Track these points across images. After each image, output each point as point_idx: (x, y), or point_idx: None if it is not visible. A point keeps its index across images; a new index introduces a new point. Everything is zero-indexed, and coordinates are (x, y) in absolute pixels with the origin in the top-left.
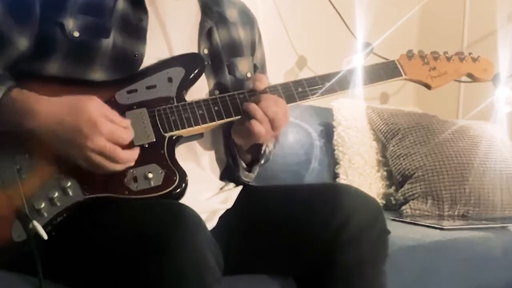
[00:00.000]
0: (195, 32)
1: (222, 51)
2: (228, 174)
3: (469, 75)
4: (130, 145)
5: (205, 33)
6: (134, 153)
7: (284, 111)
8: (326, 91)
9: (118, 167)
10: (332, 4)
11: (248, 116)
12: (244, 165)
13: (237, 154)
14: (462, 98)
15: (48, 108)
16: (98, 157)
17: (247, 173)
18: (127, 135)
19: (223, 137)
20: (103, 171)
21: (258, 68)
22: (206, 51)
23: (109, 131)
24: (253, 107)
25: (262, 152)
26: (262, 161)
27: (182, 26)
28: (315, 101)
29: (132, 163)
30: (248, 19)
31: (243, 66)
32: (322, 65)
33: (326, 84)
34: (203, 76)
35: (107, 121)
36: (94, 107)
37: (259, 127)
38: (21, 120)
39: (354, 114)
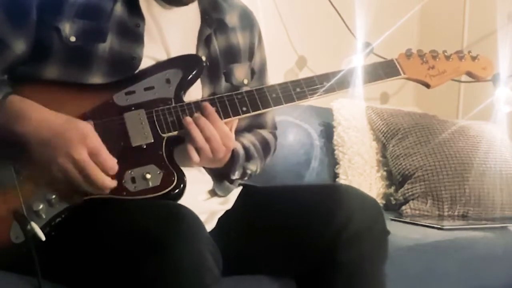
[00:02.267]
0: (193, 39)
1: (220, 58)
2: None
3: (469, 74)
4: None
5: (203, 40)
6: (112, 183)
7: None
8: (325, 91)
9: (91, 189)
10: (332, 4)
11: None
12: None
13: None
14: (462, 98)
15: (42, 116)
16: (74, 170)
17: (227, 184)
18: (112, 165)
19: None
20: (74, 186)
21: (256, 73)
22: (203, 58)
23: (95, 149)
24: (188, 121)
25: (236, 177)
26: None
27: (181, 32)
28: (315, 101)
29: (107, 192)
30: (248, 23)
31: (240, 73)
32: (322, 65)
33: (324, 84)
34: (198, 83)
35: (97, 140)
36: (89, 126)
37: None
38: (13, 124)
39: (354, 114)
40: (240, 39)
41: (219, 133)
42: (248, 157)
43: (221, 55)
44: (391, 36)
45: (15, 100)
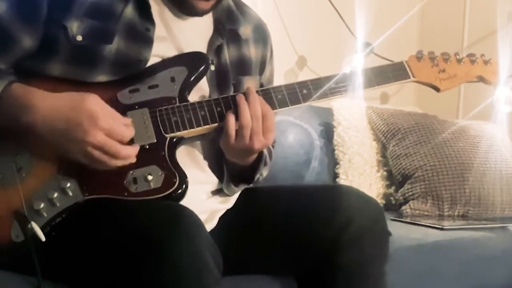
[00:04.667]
0: (204, 46)
1: (230, 68)
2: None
3: (480, 78)
4: (130, 143)
5: (214, 49)
6: (134, 150)
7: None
8: (332, 93)
9: (118, 163)
10: (332, 4)
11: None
12: (228, 179)
13: (225, 166)
14: (462, 98)
15: (48, 103)
16: (97, 152)
17: (233, 187)
18: (128, 133)
19: (213, 146)
20: (102, 166)
21: (264, 87)
22: (213, 68)
23: (109, 127)
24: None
25: (255, 179)
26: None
27: (192, 38)
28: (315, 101)
29: (133, 160)
30: (261, 36)
31: (250, 86)
32: (322, 65)
33: (331, 86)
34: (207, 91)
35: (108, 117)
36: (96, 103)
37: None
38: (20, 114)
39: (354, 114)
40: (252, 51)
41: (264, 122)
42: (265, 162)
43: (231, 66)
44: (391, 36)
45: (20, 89)
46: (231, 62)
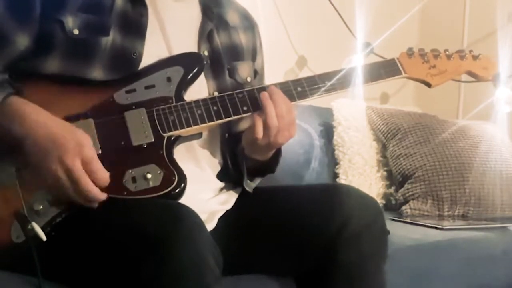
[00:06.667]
0: (195, 33)
1: (223, 53)
2: (223, 175)
3: (469, 73)
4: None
5: (206, 35)
6: (102, 196)
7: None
8: (326, 90)
9: (79, 200)
10: (332, 4)
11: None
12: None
13: (244, 163)
14: (462, 98)
15: (41, 118)
16: (65, 178)
17: (249, 182)
18: (105, 175)
19: (220, 142)
20: (62, 195)
21: (258, 74)
22: (206, 53)
23: (91, 158)
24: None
25: (274, 171)
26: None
27: (182, 26)
28: (315, 101)
29: (95, 205)
30: (249, 24)
31: (244, 71)
32: (322, 65)
33: (325, 83)
34: (203, 78)
35: (93, 152)
36: (87, 137)
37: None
38: (10, 126)
39: (354, 114)
40: (242, 38)
41: (288, 116)
42: None
43: (223, 51)
44: (391, 36)
45: (15, 101)
46: (223, 47)
